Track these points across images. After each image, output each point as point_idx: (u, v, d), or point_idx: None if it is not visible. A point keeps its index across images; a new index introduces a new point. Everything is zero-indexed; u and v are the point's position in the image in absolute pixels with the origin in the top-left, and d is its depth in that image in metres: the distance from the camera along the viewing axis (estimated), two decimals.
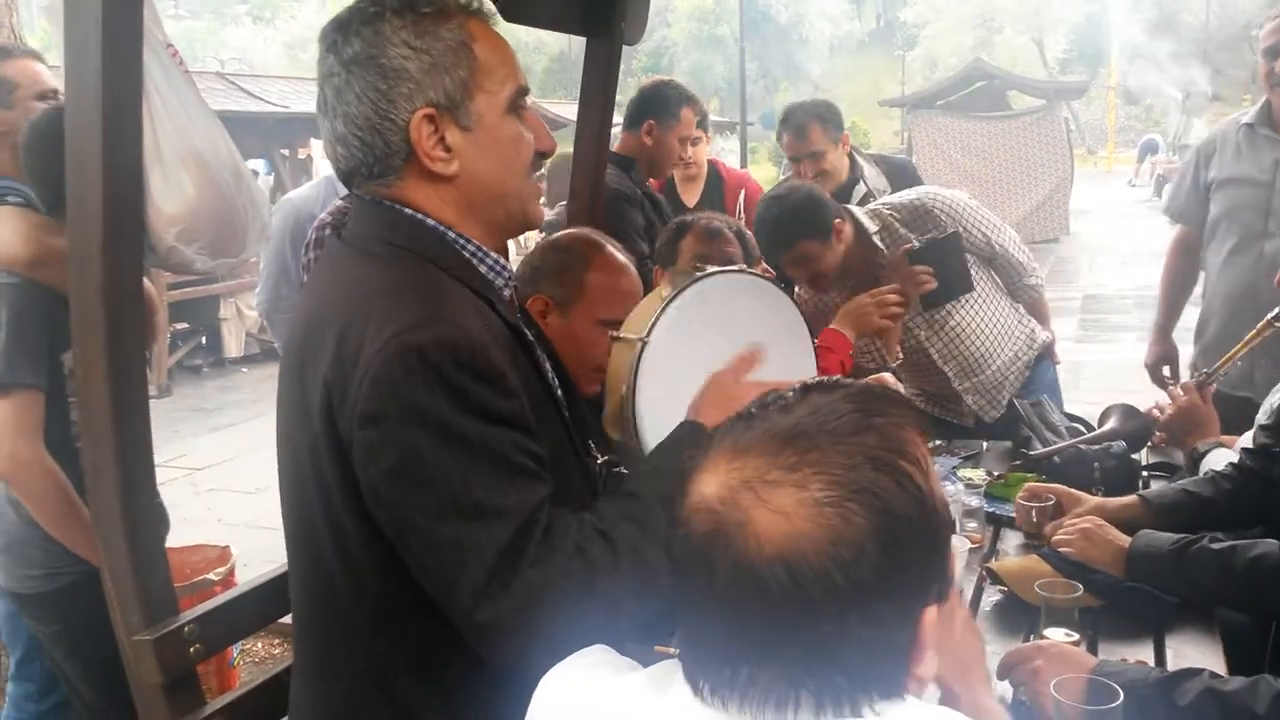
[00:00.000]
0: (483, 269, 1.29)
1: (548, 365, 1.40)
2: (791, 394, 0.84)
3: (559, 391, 1.41)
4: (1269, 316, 2.27)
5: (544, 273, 1.87)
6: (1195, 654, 1.64)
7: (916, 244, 2.66)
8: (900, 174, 3.65)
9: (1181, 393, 2.46)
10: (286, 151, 12.04)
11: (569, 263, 1.87)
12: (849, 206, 2.82)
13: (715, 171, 4.17)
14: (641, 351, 1.53)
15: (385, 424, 1.10)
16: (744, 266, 1.81)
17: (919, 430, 0.84)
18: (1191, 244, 3.22)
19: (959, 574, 1.91)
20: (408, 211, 1.25)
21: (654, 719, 0.82)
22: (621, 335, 1.59)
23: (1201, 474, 2.16)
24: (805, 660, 0.76)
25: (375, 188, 1.26)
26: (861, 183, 3.44)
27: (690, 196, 4.05)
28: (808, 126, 3.34)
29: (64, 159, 1.33)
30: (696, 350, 1.53)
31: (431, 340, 1.11)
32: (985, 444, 2.85)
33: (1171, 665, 1.60)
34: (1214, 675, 1.36)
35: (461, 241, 1.27)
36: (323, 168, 6.21)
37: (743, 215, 3.79)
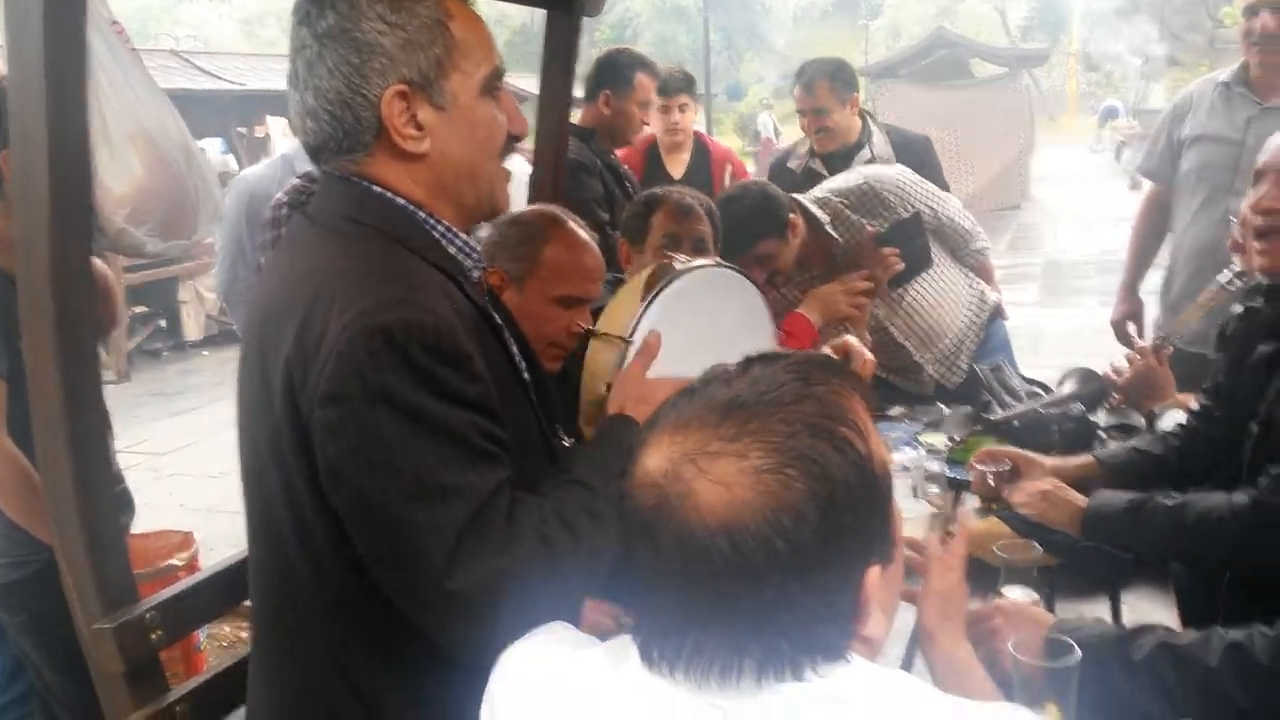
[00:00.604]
0: (452, 250, 1.28)
1: (515, 348, 1.39)
2: (734, 367, 0.85)
3: (527, 375, 1.40)
4: (1222, 282, 2.30)
5: (501, 247, 1.86)
6: (1150, 609, 1.68)
7: (882, 228, 2.71)
8: (908, 149, 3.52)
9: (1139, 356, 2.50)
10: (244, 130, 11.85)
11: (526, 237, 1.86)
12: (798, 198, 2.83)
13: (701, 144, 4.16)
14: (625, 352, 1.54)
15: (348, 404, 1.09)
16: (718, 259, 1.81)
17: (859, 397, 0.85)
18: (1162, 202, 3.27)
19: (922, 538, 1.94)
20: (376, 189, 1.23)
21: (610, 692, 0.84)
22: (602, 333, 1.59)
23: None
24: (749, 627, 0.77)
25: (344, 164, 1.24)
26: (867, 148, 3.45)
27: (676, 168, 4.03)
28: (815, 83, 3.41)
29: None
30: (675, 349, 1.53)
31: (398, 321, 1.10)
32: (946, 409, 2.88)
33: (1127, 621, 1.64)
34: (1168, 630, 1.40)
35: (431, 221, 1.26)
36: (280, 146, 6.11)
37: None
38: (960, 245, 3.05)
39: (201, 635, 3.05)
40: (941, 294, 2.95)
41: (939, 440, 2.56)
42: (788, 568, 0.76)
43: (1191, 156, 3.08)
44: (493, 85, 1.27)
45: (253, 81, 11.78)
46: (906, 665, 1.55)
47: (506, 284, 1.83)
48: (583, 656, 0.89)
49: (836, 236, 2.74)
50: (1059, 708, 1.31)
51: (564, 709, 0.86)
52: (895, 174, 2.93)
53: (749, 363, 0.86)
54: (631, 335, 1.54)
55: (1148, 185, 3.40)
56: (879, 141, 3.52)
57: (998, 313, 3.14)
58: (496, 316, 1.34)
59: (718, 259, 1.90)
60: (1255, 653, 1.27)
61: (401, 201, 1.24)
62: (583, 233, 1.90)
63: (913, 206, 2.83)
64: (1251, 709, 1.25)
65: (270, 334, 1.17)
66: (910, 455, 2.48)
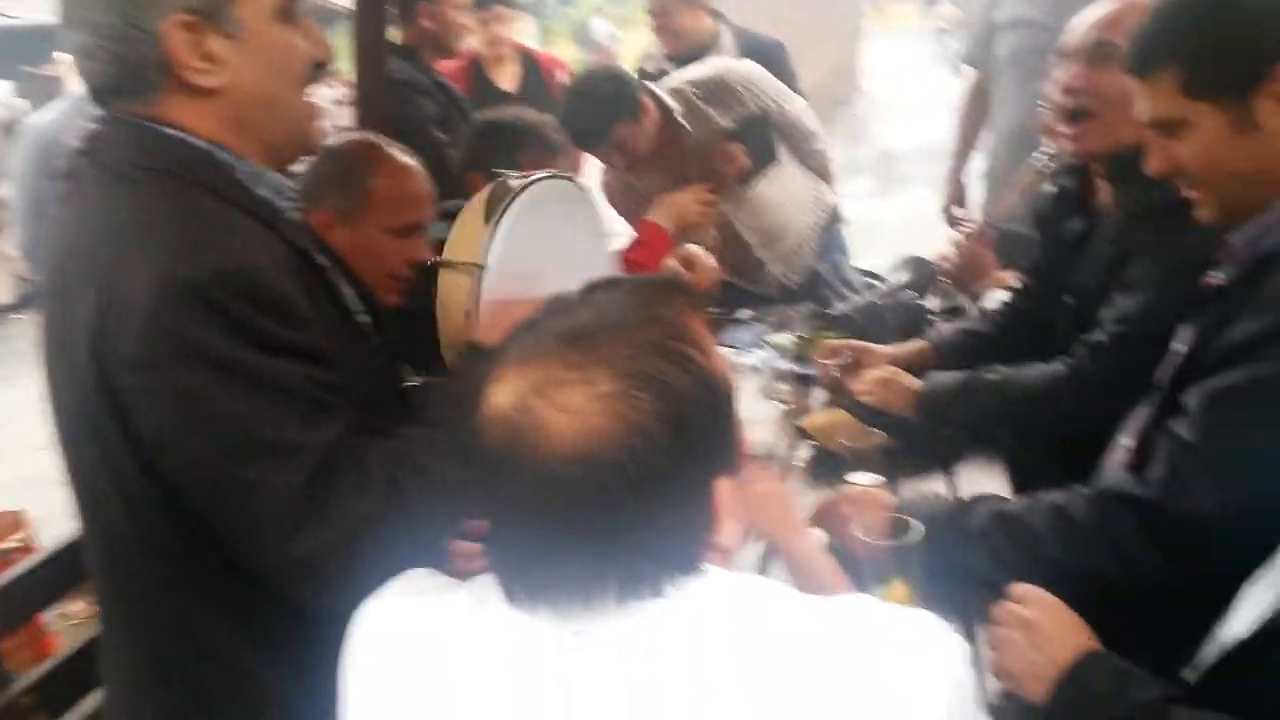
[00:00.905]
0: (261, 191, 1.20)
1: (346, 288, 1.33)
2: (576, 295, 0.85)
3: (363, 316, 1.35)
4: (1035, 165, 2.42)
5: (324, 184, 1.77)
6: (983, 480, 1.80)
7: (731, 125, 2.74)
8: (762, 54, 3.39)
9: (963, 241, 2.62)
10: (32, 69, 10.79)
11: (347, 170, 1.77)
12: (651, 85, 2.80)
13: (528, 57, 4.03)
14: (480, 277, 1.50)
15: (160, 367, 1.03)
16: (553, 171, 1.78)
17: (699, 314, 0.87)
18: (983, 87, 3.38)
19: (771, 437, 2.02)
20: (169, 131, 1.13)
21: (473, 634, 0.84)
22: (451, 261, 1.54)
23: None
24: (610, 550, 0.78)
25: (132, 106, 1.14)
26: (713, 52, 3.43)
27: (505, 80, 3.90)
28: None
29: None
30: (527, 268, 1.50)
31: (203, 271, 1.03)
32: (791, 309, 2.97)
33: (962, 493, 1.74)
34: (999, 499, 1.51)
35: (232, 162, 1.17)
36: (72, 86, 5.59)
37: None
38: (804, 145, 3.08)
39: (49, 616, 2.89)
40: (785, 193, 3.00)
41: (786, 340, 2.64)
42: (643, 488, 0.77)
43: (1005, 41, 3.19)
44: (289, 7, 1.18)
45: (38, 14, 10.68)
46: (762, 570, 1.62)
47: (334, 222, 1.75)
48: (443, 601, 0.89)
49: (688, 128, 2.74)
50: (906, 583, 1.40)
51: (426, 658, 0.85)
52: (747, 68, 2.95)
53: (590, 290, 0.86)
54: (485, 259, 1.51)
55: (969, 72, 3.52)
56: (728, 46, 3.52)
57: (836, 215, 3.23)
58: (321, 258, 1.28)
59: (554, 170, 1.87)
60: (1075, 513, 1.37)
61: (199, 143, 1.15)
62: (405, 157, 1.83)
63: (762, 102, 2.85)
64: (1073, 566, 1.36)
65: (66, 299, 1.09)
66: (759, 356, 2.56)
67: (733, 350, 2.64)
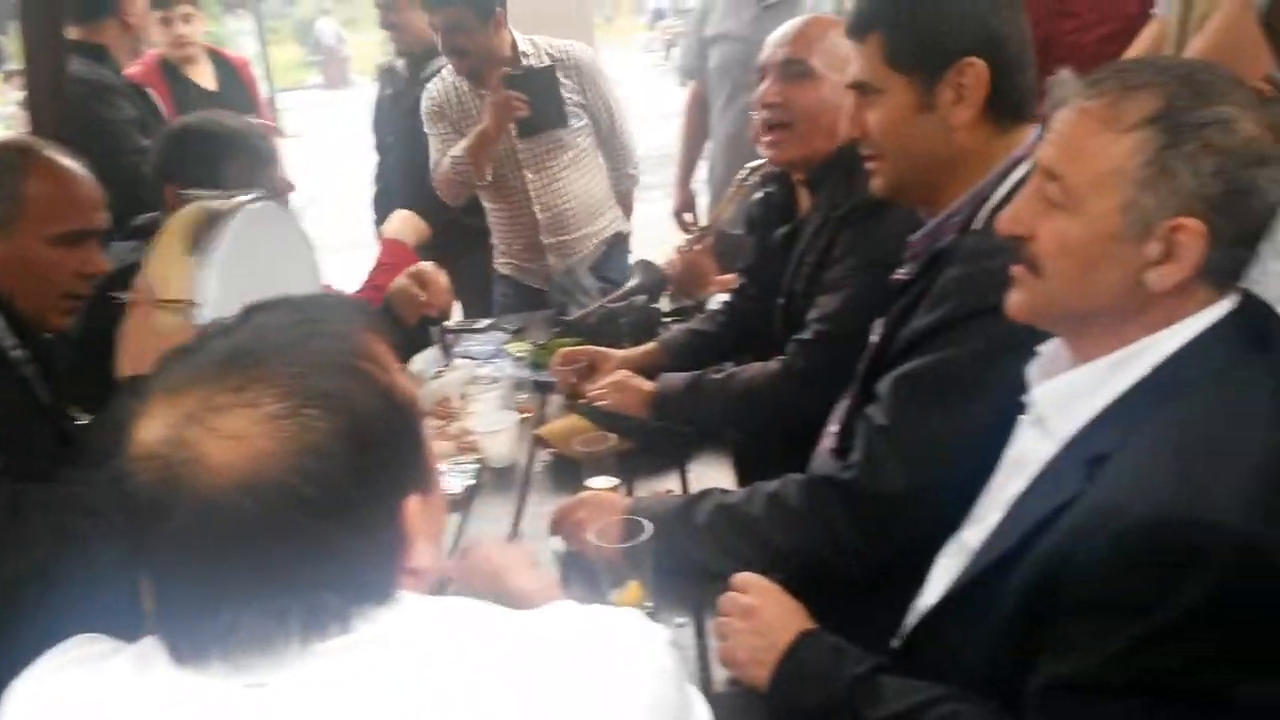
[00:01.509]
0: None
1: None
2: (233, 319, 0.78)
3: (16, 350, 1.19)
4: (738, 177, 2.58)
5: None
6: (714, 475, 1.86)
7: (514, 71, 2.86)
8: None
9: (684, 248, 2.75)
10: None
11: None
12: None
13: (219, 57, 3.80)
14: (190, 315, 1.37)
15: None
16: (259, 193, 1.66)
17: (371, 330, 0.82)
18: (701, 98, 3.53)
19: (511, 446, 2.00)
20: None
21: (134, 706, 0.74)
22: (164, 300, 1.40)
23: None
24: (291, 587, 0.72)
25: None
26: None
27: (206, 80, 3.65)
28: None
29: None
30: (239, 297, 1.39)
31: None
32: (530, 315, 2.97)
33: (694, 489, 1.79)
34: (723, 491, 1.56)
35: None
36: None
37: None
38: (619, 164, 3.29)
39: None
40: (587, 191, 3.15)
41: (524, 347, 2.63)
42: (322, 512, 0.72)
43: (715, 54, 3.36)
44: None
45: None
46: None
47: None
48: (101, 671, 0.79)
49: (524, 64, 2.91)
50: (640, 583, 1.43)
51: None
52: (599, 63, 3.17)
53: (249, 312, 0.79)
54: (199, 295, 1.38)
55: (690, 83, 3.66)
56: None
57: (619, 240, 3.35)
58: None
59: (255, 193, 1.75)
60: (789, 499, 1.45)
61: None
62: (65, 159, 1.65)
63: (598, 95, 3.10)
64: (792, 550, 1.43)
65: None
66: (497, 365, 2.53)
67: (471, 360, 2.60)
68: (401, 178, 3.58)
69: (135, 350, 1.28)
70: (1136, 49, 2.08)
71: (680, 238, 3.54)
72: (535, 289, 3.20)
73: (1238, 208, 0.97)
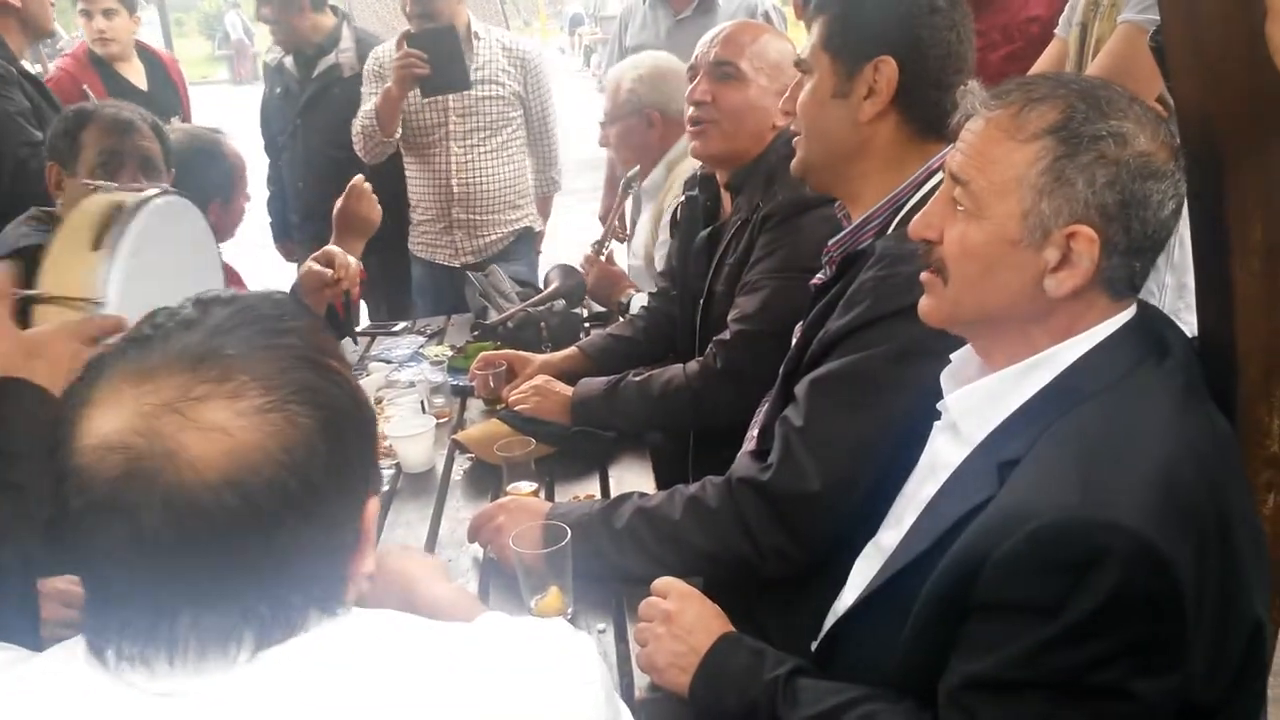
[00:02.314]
0: None
1: None
2: (189, 311, 0.75)
3: None
4: (622, 183, 2.72)
5: None
6: (633, 478, 1.86)
7: (414, 30, 2.96)
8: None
9: (591, 254, 2.77)
10: None
11: None
12: None
13: (147, 53, 3.78)
14: (96, 310, 1.30)
15: None
16: (165, 187, 1.59)
17: (324, 331, 0.82)
18: None
19: (428, 452, 1.97)
20: None
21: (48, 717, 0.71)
22: (59, 296, 1.32)
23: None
24: (258, 584, 0.70)
25: None
26: (334, 54, 3.46)
27: (137, 77, 3.64)
28: None
29: None
30: (137, 298, 1.32)
31: None
32: (448, 319, 2.93)
33: (615, 492, 1.80)
34: (642, 495, 1.56)
35: None
36: None
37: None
38: (544, 165, 3.46)
39: None
40: (508, 177, 3.29)
41: (442, 351, 2.60)
42: (301, 508, 0.70)
43: None
44: None
45: None
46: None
47: None
48: (11, 679, 0.74)
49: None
50: (561, 590, 1.42)
51: None
52: (543, 61, 3.32)
53: (205, 305, 0.76)
54: (102, 293, 1.32)
55: (572, 109, 3.67)
56: (348, 46, 3.48)
57: (528, 236, 3.44)
58: None
59: (165, 186, 1.69)
60: (709, 501, 1.46)
61: None
62: None
63: (540, 90, 3.27)
64: (713, 552, 1.44)
65: None
66: (415, 370, 2.49)
67: (387, 364, 2.56)
68: (294, 177, 3.59)
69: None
70: (1039, 67, 2.16)
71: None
72: (445, 267, 3.34)
73: (1130, 218, 1.01)
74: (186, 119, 3.59)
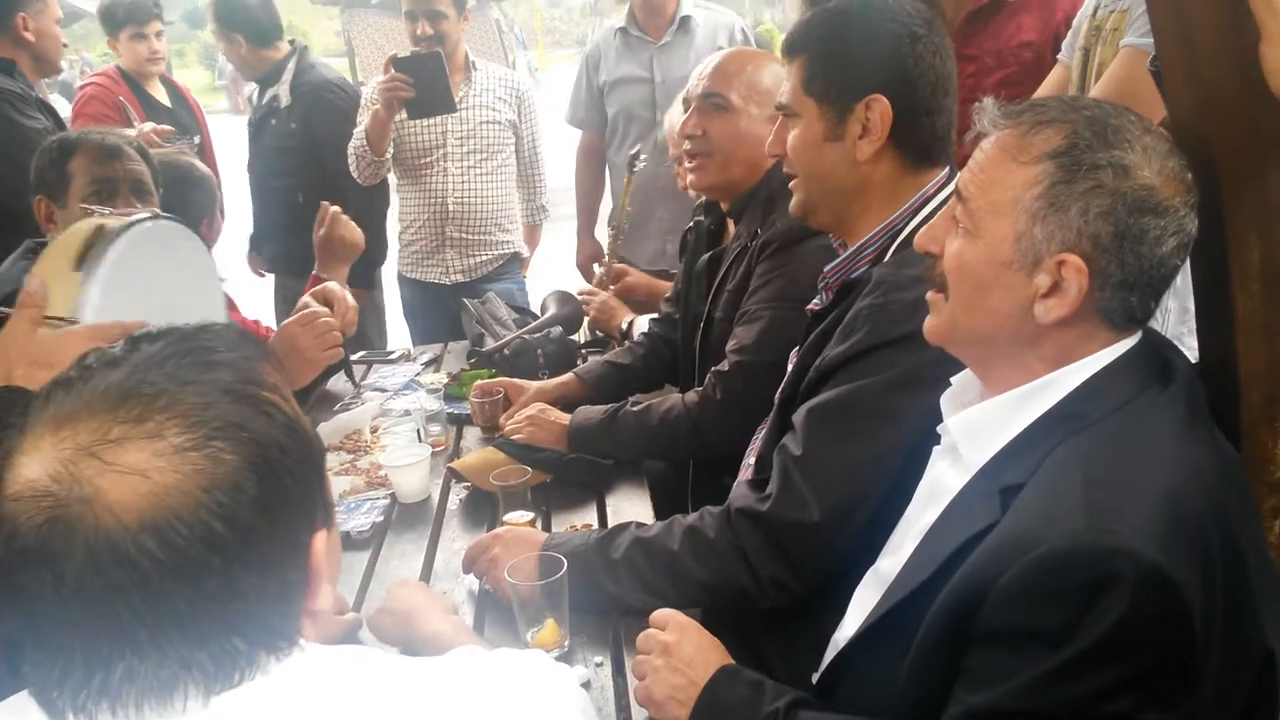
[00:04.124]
0: None
1: None
2: (116, 348, 0.73)
3: None
4: (629, 159, 2.73)
5: None
6: (630, 507, 1.84)
7: (400, 55, 3.06)
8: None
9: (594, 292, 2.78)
10: None
11: None
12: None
13: (165, 80, 3.93)
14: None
15: None
16: (156, 211, 1.58)
17: (268, 361, 0.79)
18: (595, 147, 3.51)
19: (423, 481, 1.95)
20: None
21: None
22: (46, 316, 1.32)
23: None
24: (195, 632, 0.68)
25: None
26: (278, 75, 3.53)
27: (161, 96, 3.82)
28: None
29: None
30: (138, 316, 1.32)
31: None
32: (444, 346, 2.92)
33: (612, 521, 1.78)
34: (639, 525, 1.54)
35: None
36: None
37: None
38: (531, 195, 3.57)
39: None
40: (499, 201, 3.39)
41: (438, 379, 2.59)
42: (231, 551, 0.68)
43: (614, 101, 3.38)
44: None
45: None
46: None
47: None
48: None
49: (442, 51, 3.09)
50: (557, 622, 1.40)
51: None
52: (532, 93, 3.46)
53: (135, 342, 0.74)
54: (78, 313, 1.31)
55: (580, 134, 3.59)
56: (289, 74, 3.55)
57: (516, 260, 3.53)
58: None
59: (155, 210, 1.68)
60: (707, 532, 1.44)
61: None
62: None
63: (530, 122, 3.42)
64: (712, 583, 1.42)
65: None
66: (411, 398, 2.48)
67: (382, 392, 2.54)
68: (261, 206, 3.71)
69: (6, 361, 1.21)
70: (1042, 92, 2.17)
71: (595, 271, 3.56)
72: (435, 286, 3.42)
73: (1125, 251, 0.99)
74: (205, 140, 3.78)
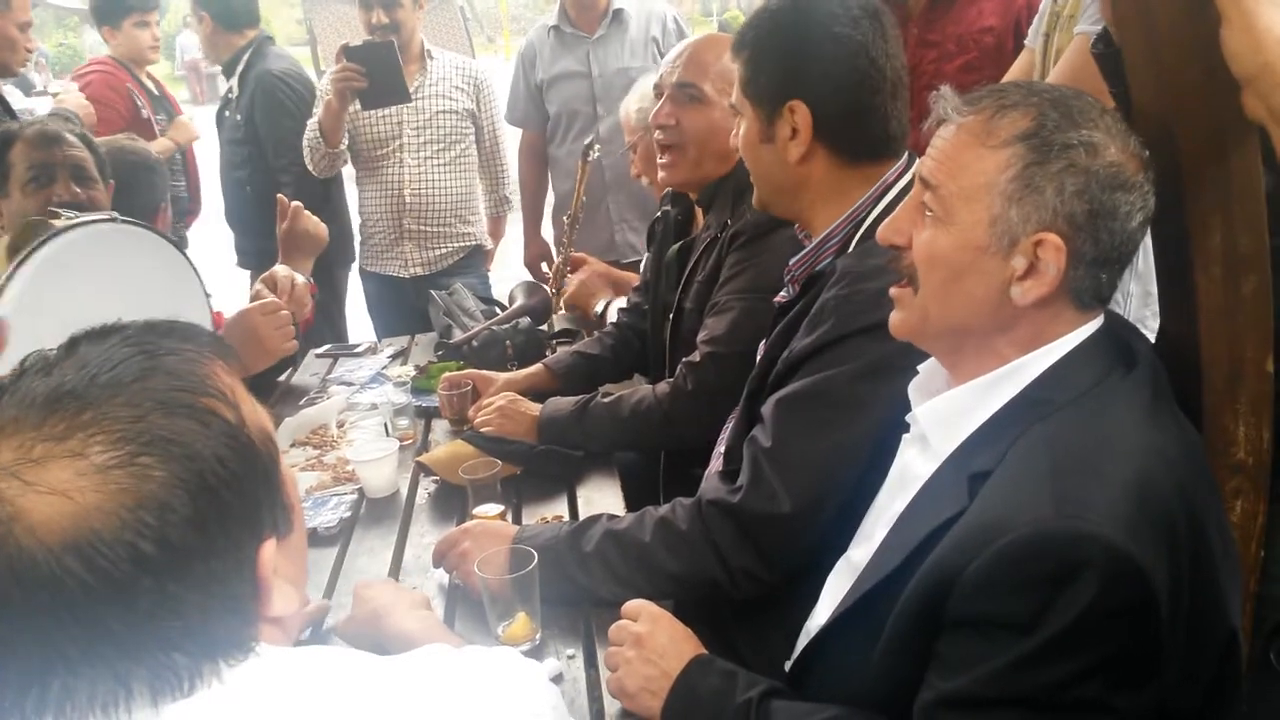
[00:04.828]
0: None
1: None
2: (56, 352, 0.71)
3: None
4: (582, 150, 2.72)
5: None
6: (602, 499, 1.83)
7: (352, 44, 3.03)
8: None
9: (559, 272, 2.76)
10: None
11: None
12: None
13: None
14: None
15: None
16: (114, 214, 1.54)
17: (222, 359, 0.76)
18: (537, 145, 3.48)
19: (391, 476, 1.93)
20: None
21: None
22: None
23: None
24: (129, 650, 0.66)
25: None
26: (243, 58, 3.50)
27: (151, 83, 3.85)
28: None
29: None
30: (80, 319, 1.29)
31: None
32: (411, 339, 2.90)
33: (583, 513, 1.77)
34: (611, 517, 1.53)
35: None
36: None
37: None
38: (494, 184, 3.54)
39: None
40: (459, 191, 3.36)
41: (405, 372, 2.56)
42: (163, 571, 0.66)
43: (554, 99, 3.36)
44: None
45: None
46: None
47: None
48: None
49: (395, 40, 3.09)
50: (528, 615, 1.39)
51: None
52: (489, 82, 3.42)
53: (73, 343, 0.72)
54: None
55: (520, 132, 3.55)
56: (244, 64, 3.54)
57: (478, 253, 3.50)
58: None
59: (114, 213, 1.64)
60: (678, 524, 1.43)
61: None
62: None
63: (487, 111, 3.39)
64: (683, 575, 1.42)
65: None
66: (378, 391, 2.45)
67: (348, 386, 2.51)
68: (225, 197, 3.70)
69: None
70: (1009, 78, 2.18)
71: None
72: (395, 279, 3.40)
73: (1099, 229, 1.00)
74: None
